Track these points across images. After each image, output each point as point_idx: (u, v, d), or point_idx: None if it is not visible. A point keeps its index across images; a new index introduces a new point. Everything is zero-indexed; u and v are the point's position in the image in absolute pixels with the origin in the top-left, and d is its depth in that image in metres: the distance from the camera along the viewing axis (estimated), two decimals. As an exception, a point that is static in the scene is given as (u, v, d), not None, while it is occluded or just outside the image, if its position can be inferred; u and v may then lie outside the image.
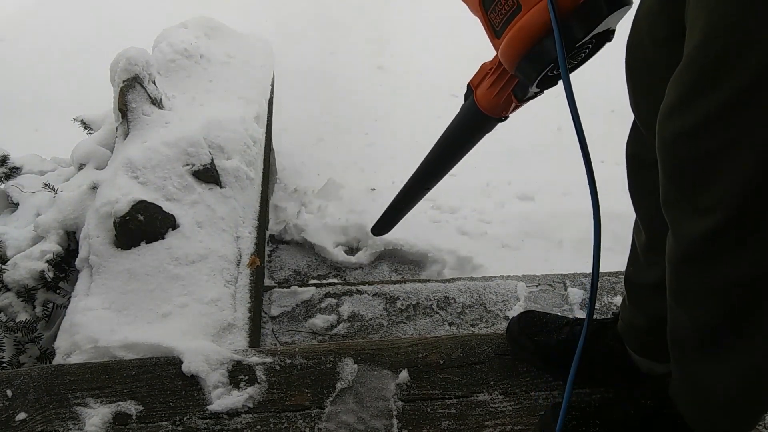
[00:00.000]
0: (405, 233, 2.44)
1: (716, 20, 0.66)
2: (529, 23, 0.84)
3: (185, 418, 1.19)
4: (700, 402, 0.95)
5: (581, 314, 1.91)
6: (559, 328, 1.21)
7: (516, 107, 1.09)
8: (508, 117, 1.12)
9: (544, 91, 0.92)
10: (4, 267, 1.73)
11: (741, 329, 0.81)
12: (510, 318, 1.28)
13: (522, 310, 1.93)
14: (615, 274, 2.06)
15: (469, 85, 1.09)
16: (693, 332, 0.87)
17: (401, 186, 1.31)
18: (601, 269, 2.27)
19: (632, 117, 1.00)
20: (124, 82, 1.81)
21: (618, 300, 1.95)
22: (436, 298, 1.98)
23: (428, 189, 1.39)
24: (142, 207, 1.59)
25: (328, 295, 1.98)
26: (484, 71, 1.05)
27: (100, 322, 1.44)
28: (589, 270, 2.09)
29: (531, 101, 1.08)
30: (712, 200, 0.72)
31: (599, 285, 2.01)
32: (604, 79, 3.41)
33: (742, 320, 0.81)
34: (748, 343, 0.82)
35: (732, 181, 0.69)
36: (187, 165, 1.74)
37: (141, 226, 1.58)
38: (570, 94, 0.83)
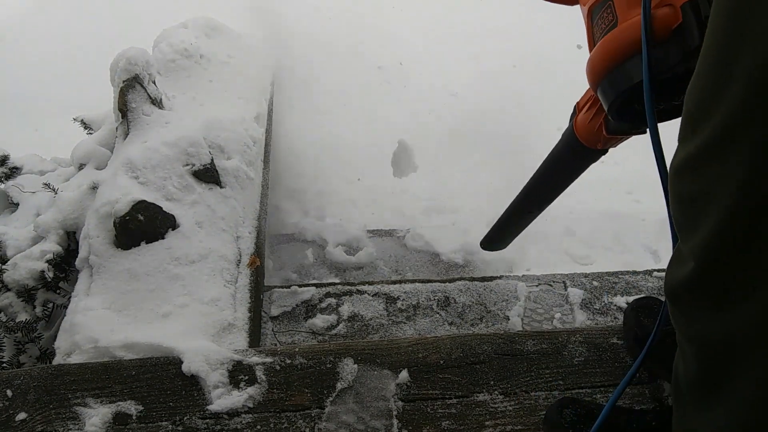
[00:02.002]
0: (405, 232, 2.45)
1: (701, 61, 0.63)
2: (615, 38, 0.75)
3: (185, 418, 1.19)
4: None
5: (581, 314, 1.91)
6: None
7: (609, 141, 0.96)
8: (605, 150, 1.00)
9: (644, 131, 0.80)
10: (4, 267, 1.73)
11: (719, 386, 0.75)
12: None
13: (521, 310, 1.93)
14: (615, 274, 2.06)
15: (574, 107, 1.00)
16: (683, 379, 0.84)
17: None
18: (602, 269, 2.26)
19: None
20: (124, 82, 1.81)
21: (618, 300, 1.95)
22: (436, 298, 1.97)
23: (532, 212, 1.31)
24: (142, 207, 1.59)
25: (328, 295, 1.98)
26: (589, 94, 0.95)
27: (100, 322, 1.44)
28: (589, 270, 2.09)
29: (626, 140, 0.94)
30: (689, 247, 0.69)
31: (600, 285, 2.01)
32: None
33: (719, 377, 0.75)
34: (726, 403, 0.75)
35: (705, 229, 0.65)
36: (187, 165, 1.74)
37: (141, 226, 1.58)
38: (653, 126, 0.72)
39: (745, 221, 0.61)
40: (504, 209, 1.41)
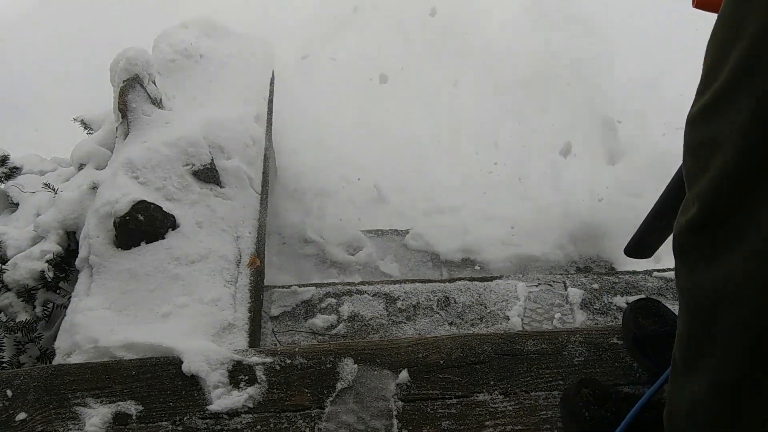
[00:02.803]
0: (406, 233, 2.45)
1: (716, 24, 0.69)
2: None
3: (185, 418, 1.19)
4: (669, 425, 0.90)
5: (581, 314, 1.91)
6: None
7: None
8: None
9: None
10: (4, 267, 1.73)
11: (702, 349, 0.76)
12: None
13: (521, 310, 1.93)
14: (615, 274, 2.06)
15: None
16: (676, 350, 0.84)
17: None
18: (602, 269, 2.24)
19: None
20: (124, 82, 1.81)
21: (618, 300, 1.95)
22: (436, 298, 1.97)
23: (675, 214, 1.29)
24: (142, 207, 1.59)
25: (328, 295, 1.98)
26: None
27: (100, 322, 1.44)
28: (588, 270, 2.09)
29: None
30: (695, 192, 0.73)
31: (599, 287, 2.01)
32: (603, 80, 3.41)
33: (702, 339, 0.76)
34: (703, 369, 0.76)
35: (712, 171, 0.69)
36: (187, 165, 1.74)
37: (141, 226, 1.58)
38: None
39: (748, 159, 0.65)
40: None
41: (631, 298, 1.95)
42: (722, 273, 0.70)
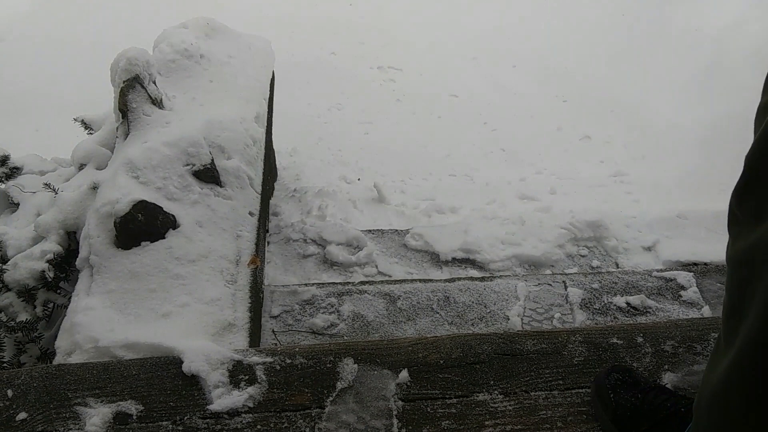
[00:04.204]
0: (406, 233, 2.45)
1: None
2: None
3: (185, 417, 1.19)
4: (695, 407, 0.87)
5: (581, 313, 1.91)
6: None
7: None
8: None
9: None
10: (4, 267, 1.73)
11: (741, 311, 0.73)
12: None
13: (521, 310, 1.93)
14: (615, 273, 2.07)
15: None
16: (723, 316, 0.80)
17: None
18: (602, 269, 2.24)
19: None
20: (124, 82, 1.81)
21: (618, 300, 1.95)
22: (436, 298, 1.98)
23: None
24: (142, 207, 1.59)
25: (328, 294, 1.98)
26: None
27: (101, 321, 1.45)
28: (589, 270, 2.09)
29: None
30: (746, 157, 0.73)
31: (599, 286, 2.01)
32: (604, 80, 3.42)
33: (739, 308, 0.73)
34: (736, 341, 0.72)
35: (756, 139, 0.70)
36: (188, 165, 1.75)
37: (141, 225, 1.59)
38: None
39: None
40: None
41: (632, 298, 1.95)
42: (762, 233, 0.69)
